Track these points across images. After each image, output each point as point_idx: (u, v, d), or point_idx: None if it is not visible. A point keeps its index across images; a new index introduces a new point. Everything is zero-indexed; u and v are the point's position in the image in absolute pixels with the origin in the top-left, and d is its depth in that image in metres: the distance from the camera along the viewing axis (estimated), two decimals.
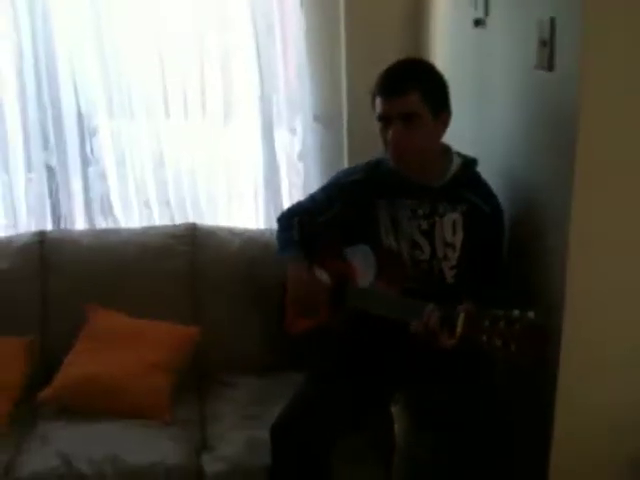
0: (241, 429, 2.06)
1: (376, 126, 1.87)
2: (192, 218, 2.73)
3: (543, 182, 1.78)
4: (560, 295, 1.64)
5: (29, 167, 2.65)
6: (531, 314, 1.50)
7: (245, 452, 1.94)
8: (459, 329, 1.59)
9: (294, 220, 2.12)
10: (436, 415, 1.90)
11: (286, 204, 2.68)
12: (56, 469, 1.84)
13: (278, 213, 2.69)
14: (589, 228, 1.60)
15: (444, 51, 2.53)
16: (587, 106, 1.55)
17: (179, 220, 2.73)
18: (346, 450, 1.88)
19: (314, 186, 2.67)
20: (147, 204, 2.75)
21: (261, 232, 2.65)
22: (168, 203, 2.75)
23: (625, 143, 1.57)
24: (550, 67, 1.68)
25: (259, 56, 2.66)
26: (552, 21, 1.65)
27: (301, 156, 2.79)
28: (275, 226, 2.58)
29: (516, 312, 1.51)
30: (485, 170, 1.95)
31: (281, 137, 2.79)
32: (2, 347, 2.25)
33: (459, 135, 2.04)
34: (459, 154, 1.94)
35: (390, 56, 2.04)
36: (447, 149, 1.93)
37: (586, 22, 1.51)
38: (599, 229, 1.61)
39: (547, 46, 1.68)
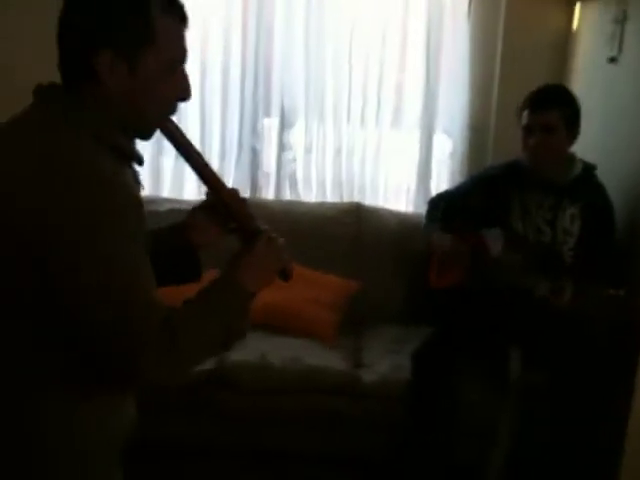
0: (386, 357, 2.63)
1: (516, 136, 2.35)
2: (357, 198, 3.29)
3: None
4: None
5: (240, 148, 3.32)
6: (622, 292, 1.94)
7: (391, 370, 2.51)
8: (565, 296, 2.04)
9: (441, 203, 2.62)
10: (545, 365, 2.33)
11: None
12: (253, 360, 2.49)
13: (426, 203, 3.21)
14: None
15: (582, 80, 2.93)
16: None
17: (347, 199, 3.29)
18: (469, 378, 2.37)
19: (459, 182, 3.16)
20: (323, 184, 3.34)
21: (413, 215, 3.19)
22: (340, 185, 3.32)
23: None
24: None
25: (427, 77, 3.19)
26: None
27: (452, 155, 3.28)
28: (423, 211, 3.10)
29: (609, 289, 1.95)
30: (606, 175, 2.35)
31: (437, 139, 3.30)
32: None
33: (586, 146, 2.46)
34: (582, 160, 2.37)
35: (536, 82, 2.50)
36: (572, 156, 2.37)
37: None
38: None
39: None
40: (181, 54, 1.13)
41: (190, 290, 1.15)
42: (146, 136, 1.17)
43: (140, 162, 1.16)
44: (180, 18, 1.11)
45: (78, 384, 1.07)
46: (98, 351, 1.02)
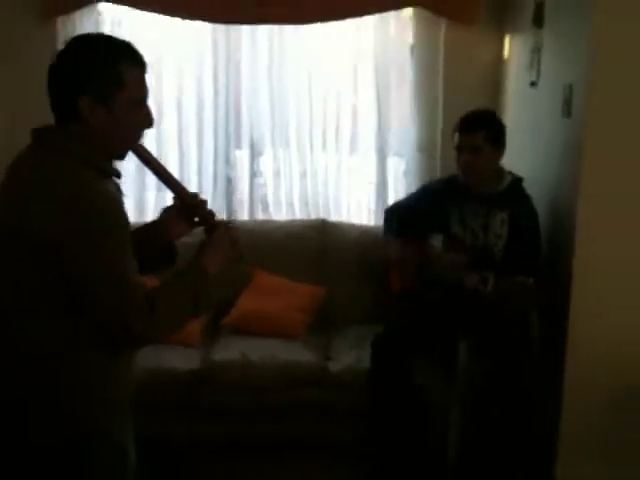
0: (351, 351, 2.92)
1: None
2: (322, 215, 3.59)
3: (563, 190, 2.51)
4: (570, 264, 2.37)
5: (215, 177, 3.62)
6: (531, 280, 2.26)
7: (355, 361, 2.80)
8: (489, 286, 2.36)
9: (395, 213, 2.92)
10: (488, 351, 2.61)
11: None
12: (236, 358, 2.78)
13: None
14: (589, 223, 2.32)
15: (511, 102, 3.28)
16: (590, 140, 2.29)
17: (313, 216, 3.59)
18: (422, 366, 2.65)
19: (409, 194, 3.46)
20: (292, 204, 3.65)
21: (373, 227, 3.48)
22: (306, 204, 3.62)
23: (616, 164, 2.29)
24: (568, 115, 2.43)
25: (379, 106, 3.51)
26: (570, 86, 2.41)
27: (405, 174, 3.60)
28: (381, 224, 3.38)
29: (521, 278, 2.28)
30: (533, 185, 2.64)
31: (391, 160, 3.62)
32: None
33: (515, 159, 2.78)
34: (510, 173, 2.67)
35: (474, 106, 2.79)
36: (501, 169, 2.67)
37: (590, 88, 2.26)
38: (597, 223, 2.32)
39: (566, 102, 2.43)
40: (144, 93, 1.44)
41: None
42: (121, 157, 1.49)
43: (119, 176, 1.48)
44: (141, 66, 1.43)
45: (97, 346, 1.38)
46: (102, 316, 1.33)
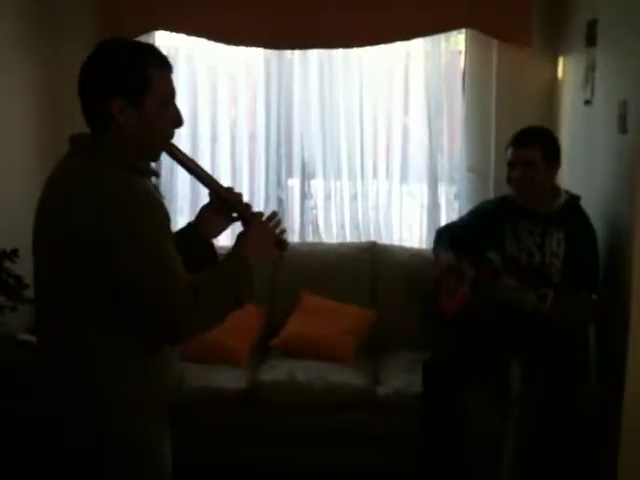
0: (400, 376, 2.87)
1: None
2: (373, 237, 3.59)
3: (620, 206, 2.43)
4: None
5: (267, 198, 3.68)
6: (594, 295, 2.18)
7: (404, 385, 2.76)
8: (548, 302, 2.29)
9: (446, 233, 2.88)
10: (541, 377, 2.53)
11: None
12: (283, 378, 2.78)
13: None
14: None
15: (567, 121, 3.22)
16: None
17: (364, 239, 3.59)
18: (474, 392, 2.60)
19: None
20: (342, 227, 3.66)
21: (423, 250, 3.45)
22: (357, 226, 3.63)
23: None
24: (624, 132, 2.37)
25: (430, 130, 3.50)
26: (624, 102, 2.36)
27: (457, 197, 3.57)
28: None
29: (584, 294, 2.21)
30: (591, 204, 2.57)
31: (443, 183, 3.60)
32: (243, 312, 3.21)
33: (572, 178, 2.71)
34: (567, 191, 2.60)
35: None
36: (557, 188, 2.61)
37: None
38: None
39: (621, 119, 2.38)
40: (170, 92, 1.47)
41: None
42: (154, 157, 1.52)
43: (157, 175, 1.50)
44: (167, 66, 1.46)
45: (138, 344, 1.41)
46: (146, 309, 1.35)
